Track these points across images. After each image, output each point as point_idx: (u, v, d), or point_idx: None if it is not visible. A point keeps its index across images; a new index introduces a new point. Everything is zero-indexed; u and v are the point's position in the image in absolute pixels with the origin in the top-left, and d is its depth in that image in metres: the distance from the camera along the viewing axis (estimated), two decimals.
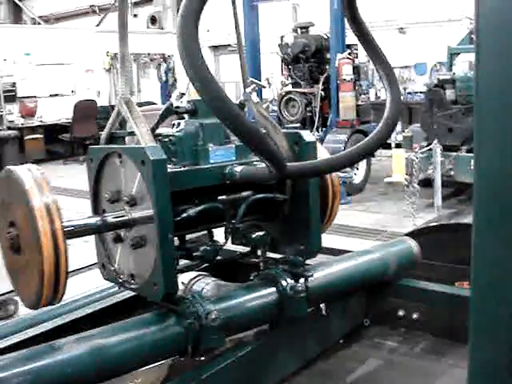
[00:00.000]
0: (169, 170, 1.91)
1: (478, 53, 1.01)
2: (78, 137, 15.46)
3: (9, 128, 15.33)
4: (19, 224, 1.80)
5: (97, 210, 2.12)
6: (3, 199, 1.89)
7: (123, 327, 1.99)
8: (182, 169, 2.08)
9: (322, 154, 2.32)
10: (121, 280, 2.08)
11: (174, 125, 2.20)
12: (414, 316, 2.71)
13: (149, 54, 19.17)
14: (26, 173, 1.79)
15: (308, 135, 2.22)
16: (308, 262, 2.37)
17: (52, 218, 1.72)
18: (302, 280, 2.25)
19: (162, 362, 2.22)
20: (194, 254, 2.13)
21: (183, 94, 2.19)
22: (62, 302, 2.74)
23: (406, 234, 3.03)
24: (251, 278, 2.35)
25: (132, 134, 2.11)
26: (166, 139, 2.15)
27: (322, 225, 2.38)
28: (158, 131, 2.19)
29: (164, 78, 18.79)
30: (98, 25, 21.51)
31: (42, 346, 1.86)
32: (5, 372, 1.70)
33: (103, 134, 2.21)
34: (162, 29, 20.62)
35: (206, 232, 2.30)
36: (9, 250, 1.86)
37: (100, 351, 1.85)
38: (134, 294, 2.23)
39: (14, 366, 1.73)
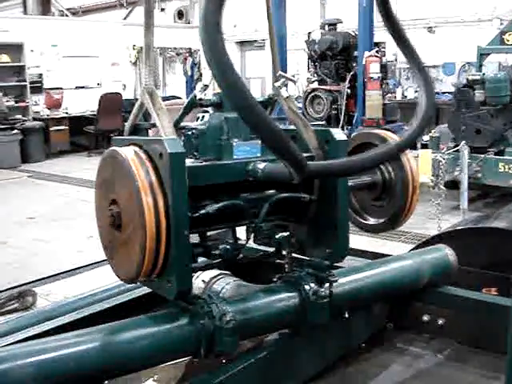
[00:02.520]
0: (190, 165, 1.86)
1: None
2: (103, 129, 15.52)
3: (34, 119, 15.48)
4: (122, 202, 1.85)
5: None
6: (105, 178, 1.95)
7: (133, 324, 1.94)
8: (203, 163, 2.02)
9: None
10: None
11: (198, 118, 2.14)
12: (440, 322, 2.64)
13: (175, 48, 19.22)
14: (131, 153, 1.83)
15: (339, 133, 2.13)
16: (337, 264, 2.31)
17: (155, 197, 1.76)
18: (326, 285, 2.17)
19: (179, 360, 2.17)
20: (213, 252, 2.07)
21: (207, 86, 2.13)
22: (80, 295, 2.76)
23: (432, 238, 2.95)
24: (274, 279, 2.29)
25: (155, 125, 2.07)
26: (190, 132, 2.10)
27: (399, 219, 2.39)
28: (182, 124, 2.14)
29: (190, 73, 18.81)
30: (125, 18, 21.62)
31: (49, 338, 1.83)
32: (8, 363, 1.67)
33: (127, 125, 2.19)
34: (189, 23, 20.64)
35: (228, 230, 2.25)
36: (109, 226, 1.91)
37: (109, 347, 1.81)
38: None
39: (20, 357, 1.71)
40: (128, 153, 1.83)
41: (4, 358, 1.69)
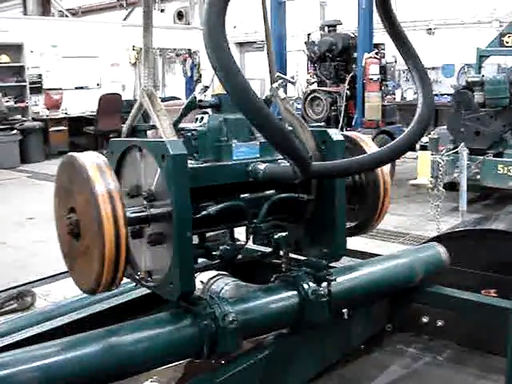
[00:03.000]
0: (190, 166, 1.85)
1: None
2: (102, 130, 15.50)
3: (34, 119, 15.47)
4: (80, 210, 1.80)
5: None
6: (63, 185, 1.90)
7: (137, 326, 1.94)
8: (204, 165, 2.03)
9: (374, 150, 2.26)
10: (137, 277, 2.04)
11: (197, 119, 2.14)
12: (439, 323, 2.64)
13: (175, 49, 19.21)
14: (89, 159, 1.79)
15: (336, 134, 2.15)
16: (332, 264, 2.31)
17: (114, 205, 1.72)
18: (324, 284, 2.18)
19: (179, 362, 2.17)
20: (214, 253, 2.07)
21: (207, 87, 2.13)
22: (80, 295, 2.75)
23: (431, 239, 2.96)
24: (272, 279, 2.29)
25: (154, 127, 2.06)
26: (189, 134, 2.10)
27: (370, 223, 2.36)
28: (181, 125, 2.14)
29: (189, 74, 18.82)
30: (125, 19, 21.61)
31: (53, 342, 1.82)
32: (13, 368, 1.66)
33: (125, 127, 2.17)
34: (189, 24, 20.64)
35: (227, 230, 2.25)
36: (68, 235, 1.86)
37: (113, 349, 1.81)
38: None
39: (23, 362, 1.70)
40: (86, 159, 1.79)
41: (8, 362, 1.69)
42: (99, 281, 1.76)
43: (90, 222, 1.74)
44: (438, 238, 2.96)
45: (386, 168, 2.31)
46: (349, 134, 2.42)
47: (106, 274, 1.75)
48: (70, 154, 1.85)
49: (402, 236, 7.90)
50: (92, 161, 1.78)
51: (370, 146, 2.31)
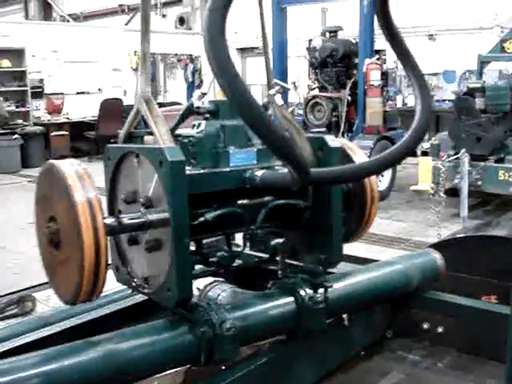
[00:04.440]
0: (187, 172, 1.85)
1: None
2: (103, 135, 15.48)
3: (35, 124, 15.50)
4: (60, 219, 1.79)
5: (112, 210, 2.06)
6: (43, 193, 1.88)
7: (135, 333, 1.93)
8: (201, 171, 2.02)
9: (360, 157, 2.26)
10: (134, 284, 2.03)
11: (194, 125, 2.14)
12: (439, 330, 2.64)
13: (176, 54, 19.25)
14: (68, 167, 1.77)
15: (333, 140, 2.14)
16: (329, 270, 2.30)
17: (94, 214, 1.70)
18: (321, 290, 2.17)
19: (178, 369, 2.17)
20: (211, 259, 2.07)
21: (205, 93, 2.13)
22: None
23: (432, 245, 2.96)
24: (269, 285, 2.28)
25: (151, 133, 2.06)
26: (186, 140, 2.09)
27: (357, 231, 2.34)
28: (178, 132, 2.14)
29: (190, 79, 18.84)
30: (126, 24, 21.65)
31: (51, 349, 1.82)
32: (12, 375, 1.65)
33: (121, 133, 2.16)
34: (190, 29, 20.69)
35: (223, 237, 2.24)
36: (47, 244, 1.85)
37: (112, 356, 1.80)
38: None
39: (22, 369, 1.69)
40: (66, 167, 1.77)
41: (8, 369, 1.68)
42: (79, 291, 1.75)
43: (70, 231, 1.72)
44: (439, 244, 2.96)
45: (374, 176, 2.30)
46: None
47: (86, 284, 1.73)
48: (50, 161, 1.84)
49: (403, 242, 7.89)
50: (72, 169, 1.77)
51: (357, 154, 2.30)
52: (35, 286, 5.24)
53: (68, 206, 1.71)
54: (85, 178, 1.75)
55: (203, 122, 2.11)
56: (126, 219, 1.89)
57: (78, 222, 1.68)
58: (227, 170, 2.06)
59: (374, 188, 2.31)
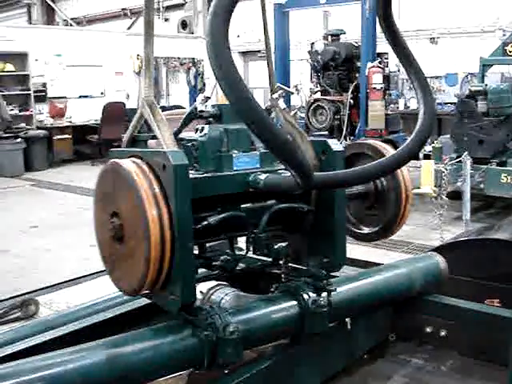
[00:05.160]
0: (190, 176, 1.86)
1: None
2: (106, 138, 15.50)
3: (38, 128, 15.51)
4: (124, 214, 1.85)
5: None
6: (106, 191, 1.96)
7: (139, 336, 1.94)
8: (204, 175, 2.03)
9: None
10: None
11: (197, 129, 2.15)
12: (442, 333, 2.63)
13: (179, 58, 19.24)
14: (132, 165, 1.84)
15: (335, 144, 2.15)
16: (332, 274, 2.30)
17: (159, 208, 1.76)
18: (324, 294, 2.18)
19: (181, 372, 2.17)
20: (214, 263, 2.07)
21: (208, 97, 2.14)
22: (82, 304, 2.76)
23: (435, 249, 2.96)
24: (272, 289, 2.28)
25: (155, 137, 2.07)
26: (189, 144, 2.10)
27: (391, 228, 2.40)
28: (181, 135, 2.14)
29: (193, 83, 18.83)
30: (129, 28, 21.67)
31: (56, 352, 1.83)
32: (16, 379, 1.66)
33: (125, 137, 2.18)
34: (193, 33, 20.70)
35: (227, 241, 2.25)
36: (110, 239, 1.91)
37: (115, 359, 1.81)
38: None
39: (26, 373, 1.70)
40: (130, 165, 1.84)
41: (10, 373, 1.69)
42: (143, 281, 1.81)
43: (136, 225, 1.79)
44: (442, 248, 2.96)
45: (407, 173, 2.36)
46: (370, 142, 2.47)
47: (151, 275, 1.79)
48: (113, 160, 1.92)
49: (406, 245, 7.87)
50: (135, 166, 1.83)
51: (390, 152, 2.33)
52: (38, 290, 5.25)
53: (135, 202, 1.78)
54: (149, 175, 1.81)
55: (206, 126, 2.12)
56: None
57: (146, 217, 1.74)
58: (230, 173, 2.07)
59: (408, 186, 2.35)
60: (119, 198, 1.87)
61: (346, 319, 2.50)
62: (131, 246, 1.83)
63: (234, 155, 2.09)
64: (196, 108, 2.13)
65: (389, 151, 2.35)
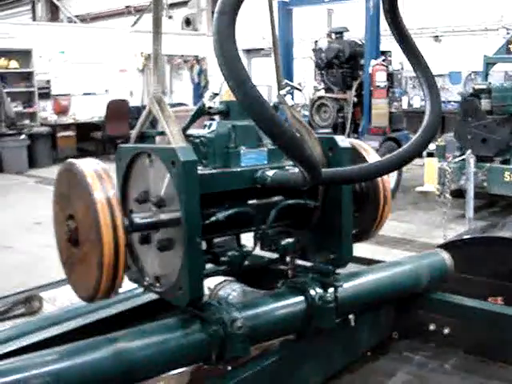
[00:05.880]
0: (199, 172, 1.87)
1: None
2: (110, 135, 15.56)
3: (42, 125, 15.55)
4: (79, 217, 1.82)
5: (124, 209, 2.08)
6: (62, 192, 1.92)
7: (146, 331, 1.94)
8: (213, 171, 2.04)
9: (373, 157, 2.27)
10: (146, 282, 2.04)
11: (205, 126, 2.16)
12: (446, 331, 2.63)
13: (182, 55, 19.26)
14: (88, 166, 1.80)
15: (343, 141, 2.16)
16: (338, 270, 2.31)
17: (113, 212, 1.73)
18: (331, 290, 2.18)
19: (184, 368, 2.18)
20: (222, 258, 2.08)
21: (216, 94, 2.14)
22: None
23: (438, 247, 2.96)
24: (279, 285, 2.29)
25: (163, 133, 2.07)
26: (197, 140, 2.11)
27: (370, 231, 2.35)
28: (189, 132, 2.15)
29: (196, 80, 18.87)
30: (133, 25, 21.69)
31: (62, 347, 1.83)
32: (23, 373, 1.66)
33: (133, 133, 2.18)
34: (196, 30, 20.72)
35: (234, 236, 2.25)
36: (66, 242, 1.88)
37: (121, 355, 1.80)
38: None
39: (33, 367, 1.70)
40: (84, 165, 1.80)
41: (19, 367, 1.69)
42: (98, 288, 1.77)
43: (89, 228, 1.75)
44: (446, 246, 2.96)
45: (386, 176, 2.31)
46: (352, 141, 2.42)
47: (105, 281, 1.76)
48: (70, 160, 1.87)
49: (409, 243, 7.89)
50: (91, 168, 1.79)
51: (370, 154, 2.32)
52: (42, 286, 5.26)
53: (88, 205, 1.74)
54: (104, 177, 1.78)
55: (214, 122, 2.13)
56: (137, 218, 1.91)
57: (98, 220, 1.71)
58: (238, 169, 2.07)
59: (387, 187, 2.31)
60: (74, 200, 1.83)
61: (350, 316, 2.50)
62: (85, 250, 1.80)
63: (241, 151, 2.09)
64: (204, 104, 2.13)
65: (368, 151, 2.33)
